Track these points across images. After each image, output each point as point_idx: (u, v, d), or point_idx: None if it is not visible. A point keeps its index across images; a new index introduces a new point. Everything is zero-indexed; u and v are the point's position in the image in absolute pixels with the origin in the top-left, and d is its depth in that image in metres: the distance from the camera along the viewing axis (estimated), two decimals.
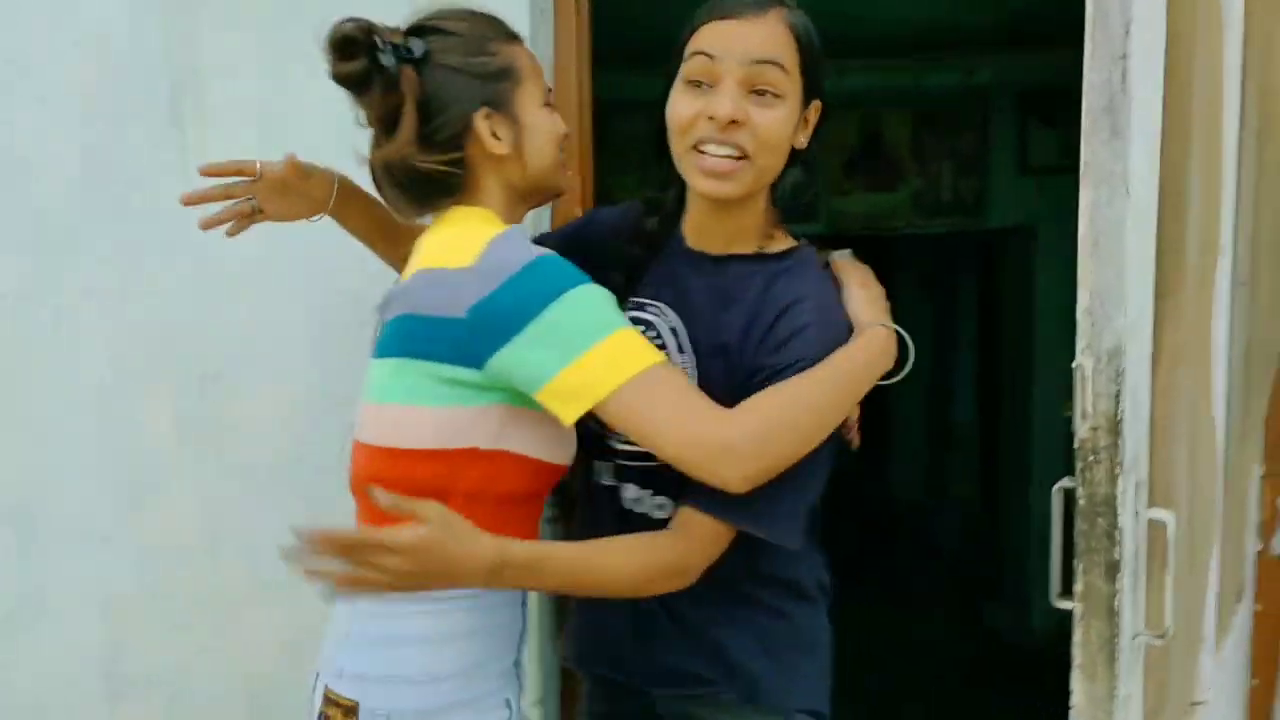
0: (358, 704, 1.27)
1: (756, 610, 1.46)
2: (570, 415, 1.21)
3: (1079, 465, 1.29)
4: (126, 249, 1.94)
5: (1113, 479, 1.25)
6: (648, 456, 1.28)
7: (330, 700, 1.29)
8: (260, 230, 1.79)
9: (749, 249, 1.43)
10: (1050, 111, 4.50)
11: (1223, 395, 1.45)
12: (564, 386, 1.19)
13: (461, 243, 1.26)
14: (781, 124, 1.33)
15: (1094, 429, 1.28)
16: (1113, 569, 1.29)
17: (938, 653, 4.77)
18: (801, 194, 1.43)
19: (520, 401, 1.25)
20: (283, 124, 1.90)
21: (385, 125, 1.33)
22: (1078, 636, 1.42)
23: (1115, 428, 1.26)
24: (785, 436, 1.23)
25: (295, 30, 1.86)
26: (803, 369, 1.28)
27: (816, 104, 1.39)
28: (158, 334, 1.96)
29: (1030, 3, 4.26)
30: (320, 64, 1.79)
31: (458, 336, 1.21)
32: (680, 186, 1.46)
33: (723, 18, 1.32)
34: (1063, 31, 4.26)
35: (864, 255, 1.48)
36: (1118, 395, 1.25)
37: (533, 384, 1.21)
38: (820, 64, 1.37)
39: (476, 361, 1.21)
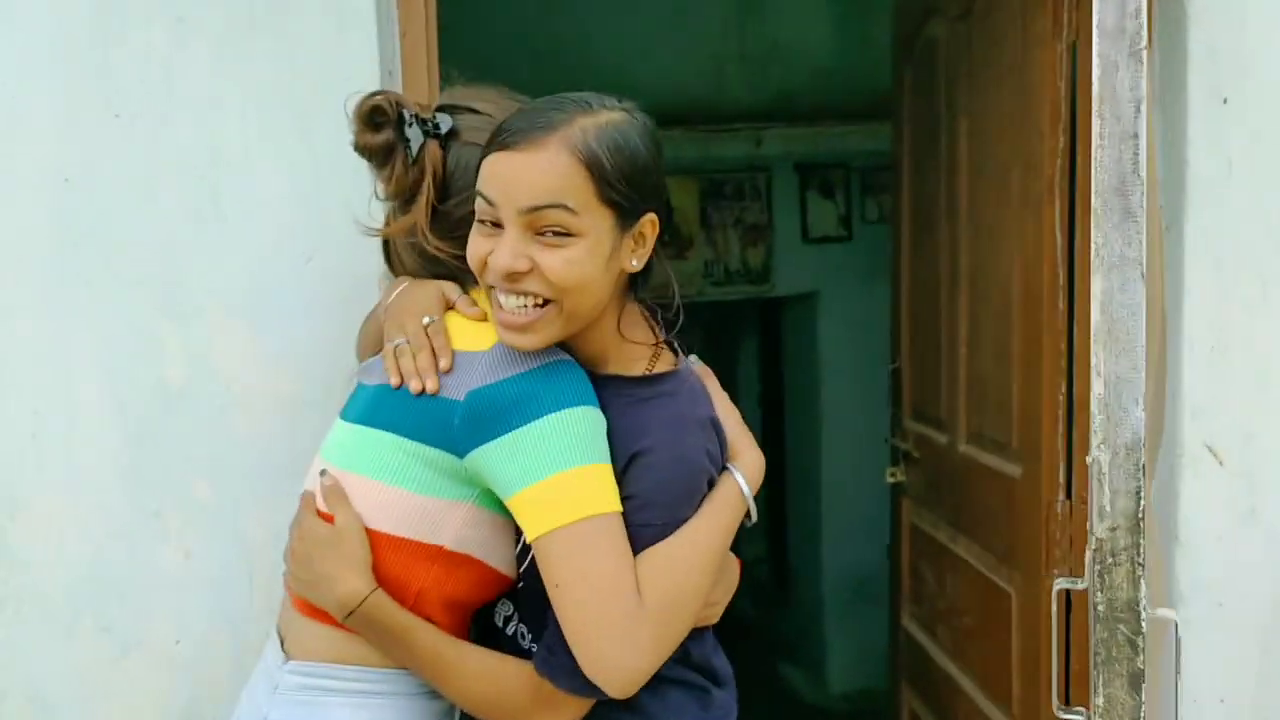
0: None
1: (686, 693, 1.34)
2: (535, 530, 1.15)
3: (1095, 567, 1.23)
4: None
5: (1135, 582, 1.21)
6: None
7: None
8: (52, 316, 1.57)
9: (617, 369, 1.29)
10: (827, 183, 4.70)
11: None
12: (523, 505, 1.16)
13: (483, 330, 1.24)
14: (576, 264, 1.17)
15: (1113, 529, 1.23)
16: (1136, 679, 1.22)
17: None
18: (664, 295, 1.31)
19: (491, 504, 1.21)
20: (82, 192, 1.62)
21: (404, 199, 1.30)
22: None
23: (1136, 526, 1.22)
24: (679, 627, 1.21)
25: (96, 84, 1.61)
26: (648, 538, 1.19)
27: (650, 218, 1.23)
28: None
29: (800, 83, 4.48)
30: (126, 124, 1.56)
31: (449, 420, 1.18)
32: None
33: (501, 148, 1.17)
34: (833, 108, 4.60)
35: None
36: (1138, 492, 1.22)
37: (506, 488, 1.16)
38: (639, 177, 1.20)
39: (460, 449, 1.17)
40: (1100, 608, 1.23)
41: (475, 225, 1.21)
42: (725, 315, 6.17)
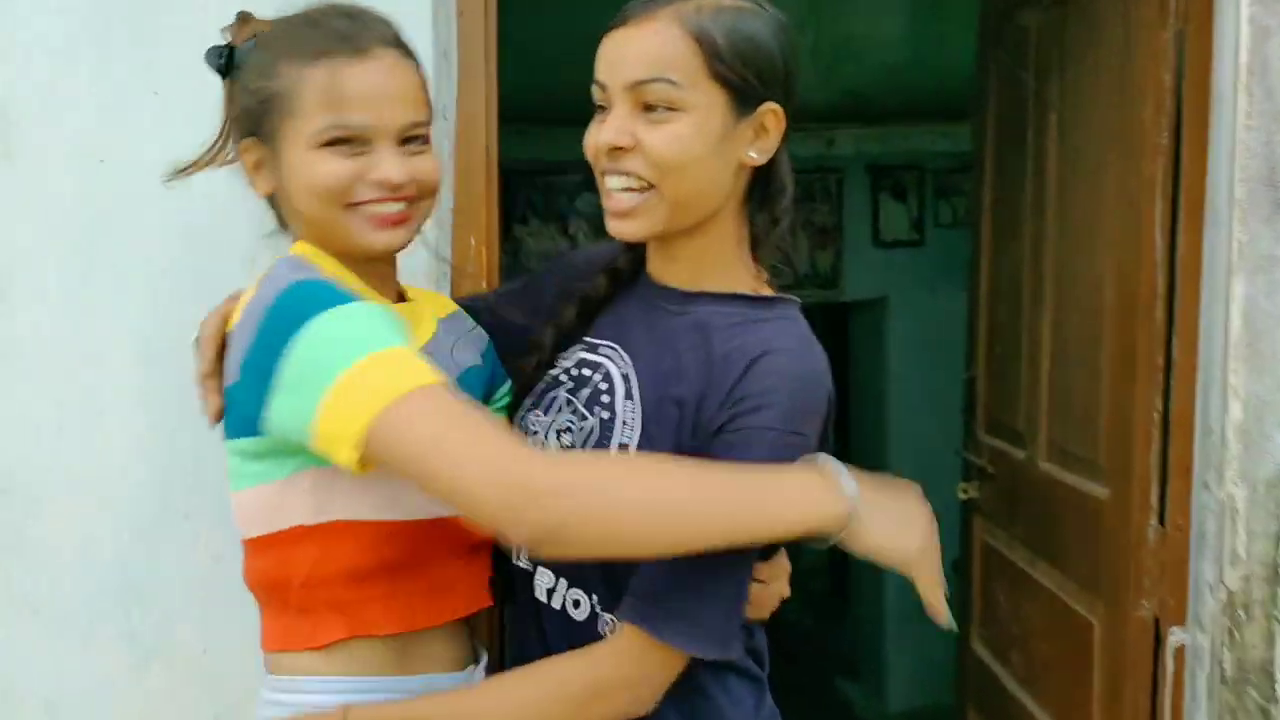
0: None
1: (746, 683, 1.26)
2: (352, 463, 1.00)
3: (1223, 621, 1.08)
4: None
5: (1270, 639, 1.05)
6: None
7: None
8: (80, 304, 1.53)
9: (723, 286, 1.21)
10: (900, 185, 4.54)
11: None
12: (327, 431, 1.01)
13: (247, 295, 1.15)
14: (678, 140, 1.12)
15: (1246, 578, 1.07)
16: None
17: None
18: (778, 222, 1.21)
19: (327, 461, 1.05)
20: (117, 174, 1.54)
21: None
22: None
23: (1275, 575, 1.06)
24: (609, 516, 1.01)
25: (136, 61, 1.52)
26: (767, 443, 1.08)
27: (772, 108, 1.16)
28: None
29: (873, 81, 4.32)
30: (165, 103, 1.48)
31: (237, 401, 1.11)
32: None
33: (613, 28, 1.16)
34: (908, 108, 4.44)
35: None
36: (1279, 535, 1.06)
37: (306, 437, 1.03)
38: (758, 61, 1.14)
39: (256, 426, 1.07)
40: (1228, 668, 1.07)
41: (595, 116, 1.17)
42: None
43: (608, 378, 1.22)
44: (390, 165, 1.13)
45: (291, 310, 1.05)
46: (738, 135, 1.15)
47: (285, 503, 1.12)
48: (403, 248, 1.20)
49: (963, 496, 2.83)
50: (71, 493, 1.56)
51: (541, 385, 1.28)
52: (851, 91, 4.41)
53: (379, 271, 1.23)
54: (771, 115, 1.17)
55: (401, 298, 1.29)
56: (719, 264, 1.22)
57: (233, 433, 1.13)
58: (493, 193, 1.63)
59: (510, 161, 4.34)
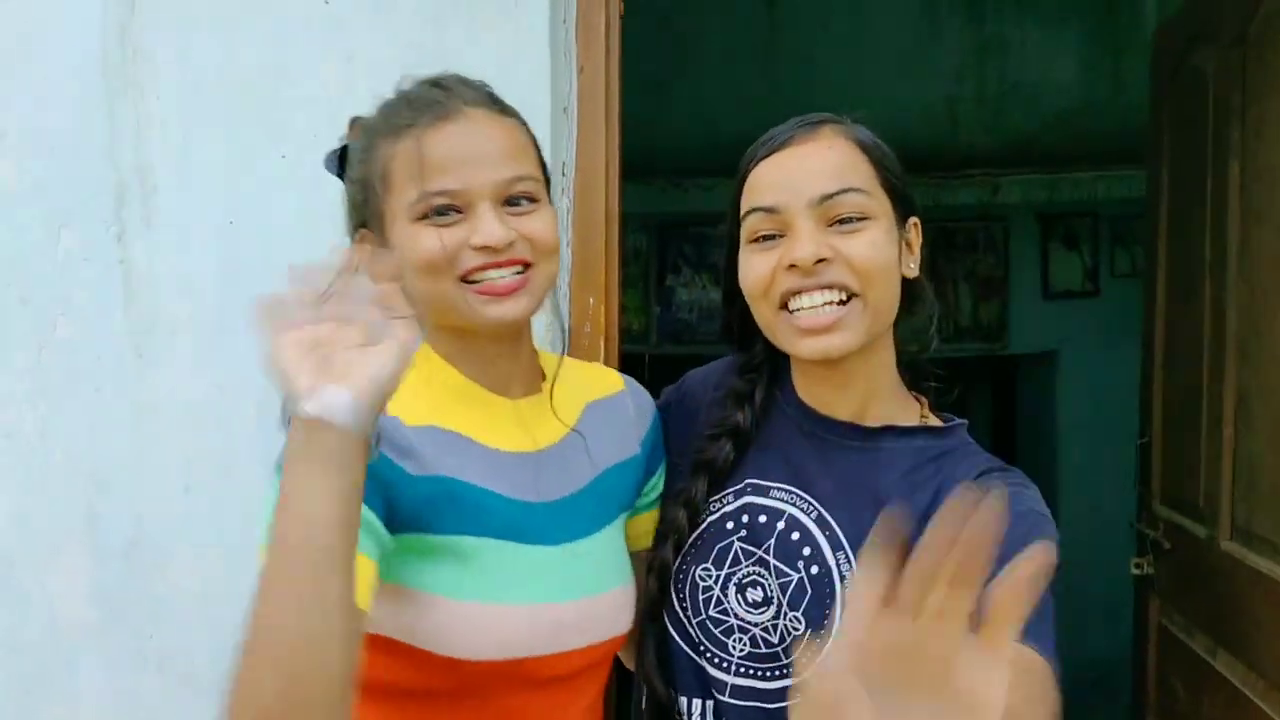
0: None
1: None
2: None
3: None
4: (48, 382, 1.58)
5: None
6: (764, 696, 1.07)
7: None
8: (212, 363, 1.50)
9: (895, 417, 1.17)
10: (1072, 233, 4.31)
11: None
12: None
13: None
14: (879, 248, 1.09)
15: None
16: None
17: None
18: (923, 334, 1.19)
19: (384, 575, 1.00)
20: (247, 235, 1.56)
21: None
22: None
23: None
24: None
25: (265, 123, 1.55)
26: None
27: (914, 222, 1.16)
28: (78, 488, 1.58)
29: (1043, 125, 4.13)
30: (293, 164, 1.52)
31: None
32: (770, 357, 1.22)
33: (769, 154, 1.12)
34: (1081, 152, 4.22)
35: None
36: None
37: None
38: (902, 173, 1.14)
39: None
40: None
41: (746, 250, 1.13)
42: (954, 373, 5.81)
43: (797, 526, 1.13)
44: (489, 227, 1.05)
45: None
46: (901, 248, 1.14)
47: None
48: (523, 318, 1.11)
49: (1136, 573, 2.61)
50: (197, 549, 1.58)
51: (702, 533, 1.18)
52: (1019, 136, 4.23)
53: (504, 357, 1.15)
54: (915, 228, 1.16)
55: (541, 376, 1.20)
56: (885, 388, 1.17)
57: None
58: (613, 250, 1.59)
59: (663, 214, 4.38)
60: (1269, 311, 1.93)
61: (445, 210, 1.06)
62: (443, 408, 1.09)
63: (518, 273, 1.07)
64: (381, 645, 1.03)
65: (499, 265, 1.06)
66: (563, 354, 1.28)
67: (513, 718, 1.09)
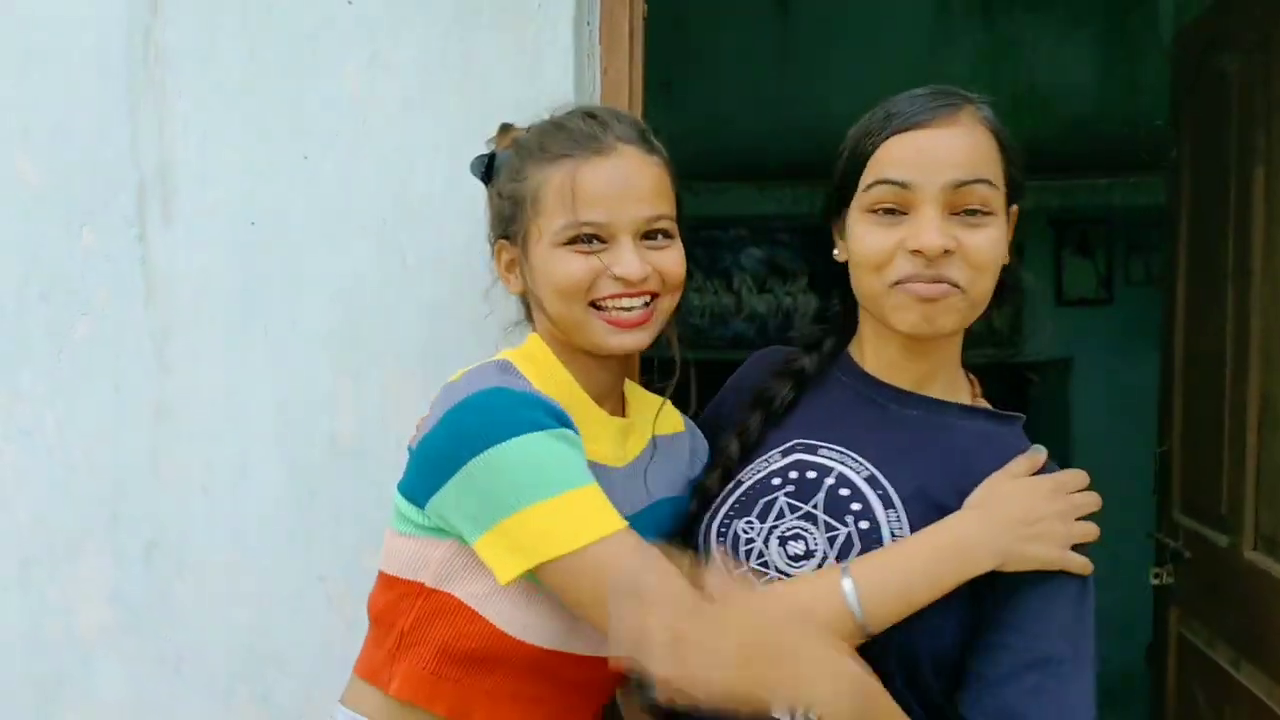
0: None
1: None
2: (502, 576, 1.08)
3: None
4: (67, 382, 1.57)
5: None
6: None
7: None
8: (230, 364, 1.57)
9: (949, 394, 1.22)
10: (1086, 240, 4.29)
11: None
12: (489, 554, 1.08)
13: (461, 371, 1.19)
14: (998, 245, 1.13)
15: None
16: None
17: None
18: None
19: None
20: (268, 237, 1.55)
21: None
22: None
23: None
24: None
25: (287, 123, 1.54)
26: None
27: (1014, 209, 1.18)
28: (97, 489, 1.57)
29: (1057, 131, 4.11)
30: (315, 165, 1.52)
31: (410, 470, 1.17)
32: (847, 314, 1.27)
33: (907, 128, 1.12)
34: (1095, 158, 4.19)
35: None
36: None
37: (467, 537, 1.10)
38: (1022, 165, 1.17)
39: (420, 500, 1.14)
40: None
41: (865, 218, 1.14)
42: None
43: (846, 483, 1.16)
44: (628, 260, 1.15)
45: (478, 421, 1.08)
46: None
47: (418, 558, 1.16)
48: (642, 349, 1.21)
49: (1155, 582, 2.58)
50: (214, 552, 1.57)
51: (746, 489, 1.21)
52: (1032, 142, 4.19)
53: (610, 374, 1.25)
54: (1013, 215, 1.18)
55: (624, 405, 1.30)
56: (950, 367, 1.22)
57: (403, 488, 1.18)
58: None
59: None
60: None
61: (589, 239, 1.16)
62: (561, 402, 1.16)
63: (645, 304, 1.18)
64: (450, 606, 1.14)
65: (631, 295, 1.16)
66: (672, 381, 1.33)
67: (518, 699, 1.17)
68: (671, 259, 1.20)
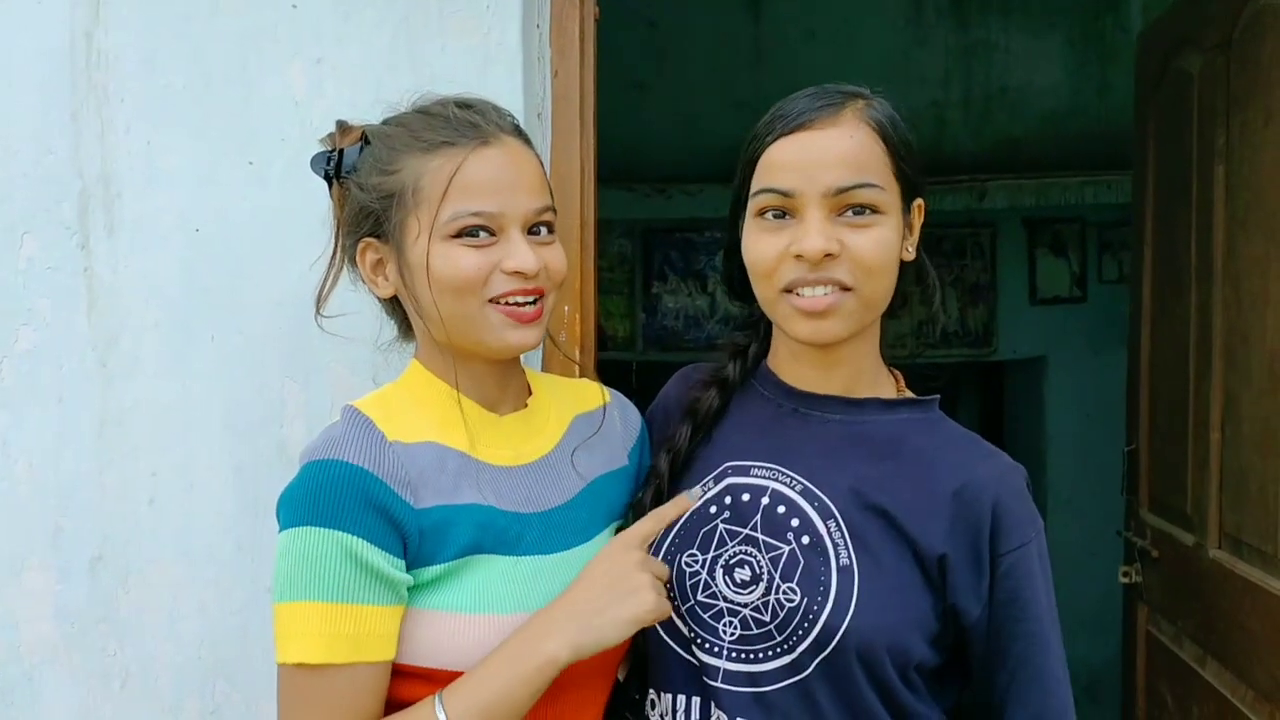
0: None
1: None
2: None
3: None
4: (9, 393, 1.54)
5: None
6: (757, 680, 1.09)
7: None
8: (176, 374, 1.55)
9: (877, 391, 1.21)
10: (1059, 239, 4.30)
11: None
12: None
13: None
14: (885, 245, 1.11)
15: None
16: None
17: None
18: (929, 304, 1.22)
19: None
20: (213, 244, 1.53)
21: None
22: None
23: None
24: None
25: (231, 129, 1.52)
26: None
27: (919, 203, 1.18)
28: (41, 501, 1.55)
29: (1030, 130, 4.11)
30: (261, 171, 1.50)
31: None
32: (766, 324, 1.26)
33: (789, 132, 1.10)
34: (1068, 158, 4.19)
35: None
36: None
37: None
38: (915, 156, 1.15)
39: None
40: None
41: (755, 224, 1.13)
42: (941, 378, 5.79)
43: (782, 500, 1.15)
44: (523, 254, 1.10)
45: (288, 501, 1.07)
46: (904, 233, 1.16)
47: None
48: (533, 348, 1.16)
49: (1124, 581, 2.58)
50: (161, 565, 1.54)
51: (685, 522, 1.19)
52: (1006, 142, 4.22)
53: (500, 374, 1.19)
54: (918, 209, 1.18)
55: (528, 393, 1.25)
56: (869, 369, 1.21)
57: None
58: (589, 257, 1.56)
59: (648, 220, 4.35)
60: (1255, 316, 1.91)
61: (477, 231, 1.10)
62: (438, 423, 1.13)
63: (532, 302, 1.12)
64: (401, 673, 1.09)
65: (526, 293, 1.11)
66: (542, 364, 1.29)
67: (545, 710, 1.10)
68: (557, 255, 1.16)
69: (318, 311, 1.21)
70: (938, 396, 1.24)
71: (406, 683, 1.08)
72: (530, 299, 1.12)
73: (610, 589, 1.09)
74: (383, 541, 1.04)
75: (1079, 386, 4.23)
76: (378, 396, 1.17)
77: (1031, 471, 4.01)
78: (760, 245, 1.13)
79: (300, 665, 1.03)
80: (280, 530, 1.07)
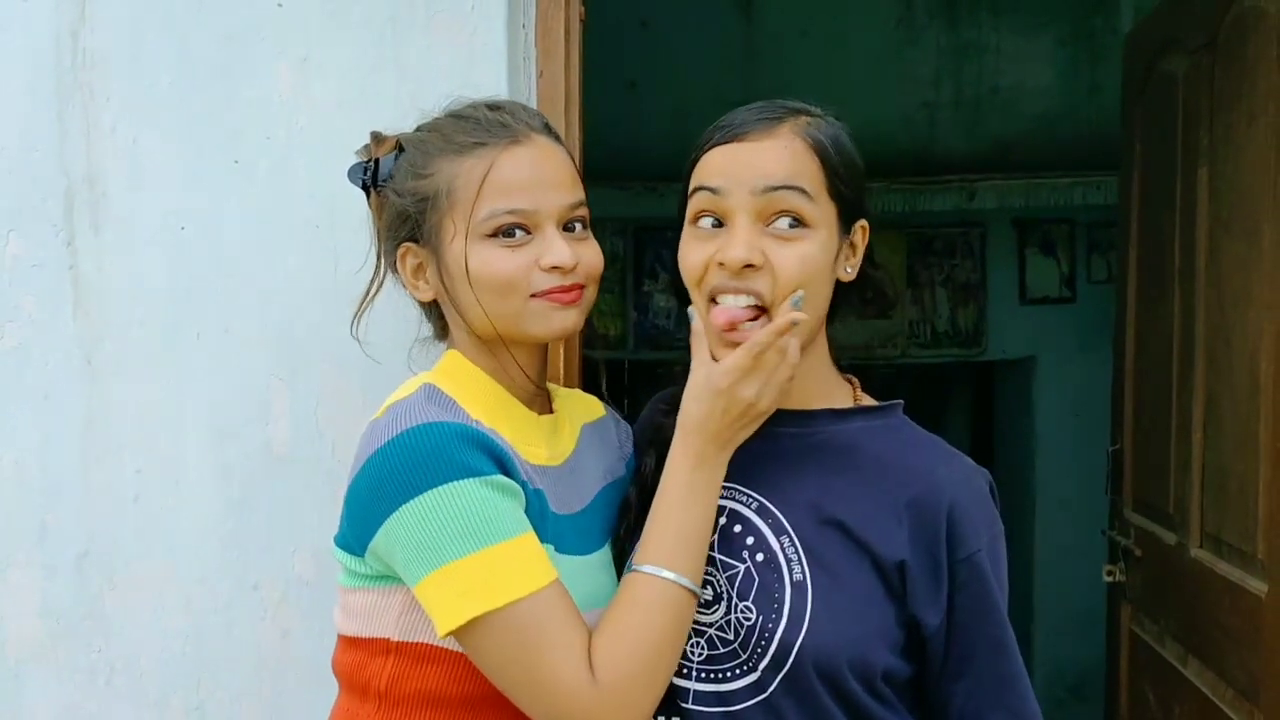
0: None
1: None
2: (440, 628, 1.03)
3: None
4: None
5: None
6: (726, 699, 1.09)
7: None
8: (162, 372, 1.55)
9: (830, 402, 1.20)
10: (1049, 239, 4.31)
11: None
12: (426, 602, 1.03)
13: (393, 397, 1.14)
14: (810, 262, 1.10)
15: None
16: None
17: None
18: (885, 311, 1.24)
19: None
20: (199, 242, 1.54)
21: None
22: None
23: None
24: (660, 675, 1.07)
25: (217, 127, 1.53)
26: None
27: (862, 225, 1.18)
28: (27, 499, 1.55)
29: (1020, 131, 4.13)
30: (247, 169, 1.50)
31: (342, 519, 1.11)
32: None
33: (725, 141, 1.12)
34: (1058, 158, 4.21)
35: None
36: None
37: (408, 583, 1.05)
38: (857, 178, 1.16)
39: (357, 549, 1.08)
40: None
41: (689, 231, 1.14)
42: (931, 379, 5.81)
43: (738, 519, 1.16)
44: (559, 248, 1.12)
45: (406, 464, 1.03)
46: (839, 253, 1.15)
47: (374, 611, 1.11)
48: (575, 331, 1.19)
49: (1108, 579, 2.60)
50: (146, 562, 1.55)
51: None
52: (996, 142, 4.22)
53: (534, 372, 1.21)
54: (861, 230, 1.18)
55: (549, 401, 1.27)
56: (816, 381, 1.20)
57: (339, 540, 1.13)
58: None
59: (639, 218, 4.35)
60: (1237, 317, 1.93)
61: (513, 230, 1.12)
62: (488, 415, 1.13)
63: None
64: (425, 654, 1.09)
65: (565, 290, 1.13)
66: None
67: None
68: (593, 250, 1.17)
69: (355, 321, 1.24)
70: (900, 402, 1.23)
71: (439, 670, 1.09)
72: (569, 294, 1.15)
73: (754, 375, 1.10)
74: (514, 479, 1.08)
75: (1068, 386, 4.23)
76: (440, 374, 1.17)
77: (1020, 471, 4.04)
78: (690, 252, 1.13)
79: (525, 598, 1.01)
80: (401, 505, 1.02)
